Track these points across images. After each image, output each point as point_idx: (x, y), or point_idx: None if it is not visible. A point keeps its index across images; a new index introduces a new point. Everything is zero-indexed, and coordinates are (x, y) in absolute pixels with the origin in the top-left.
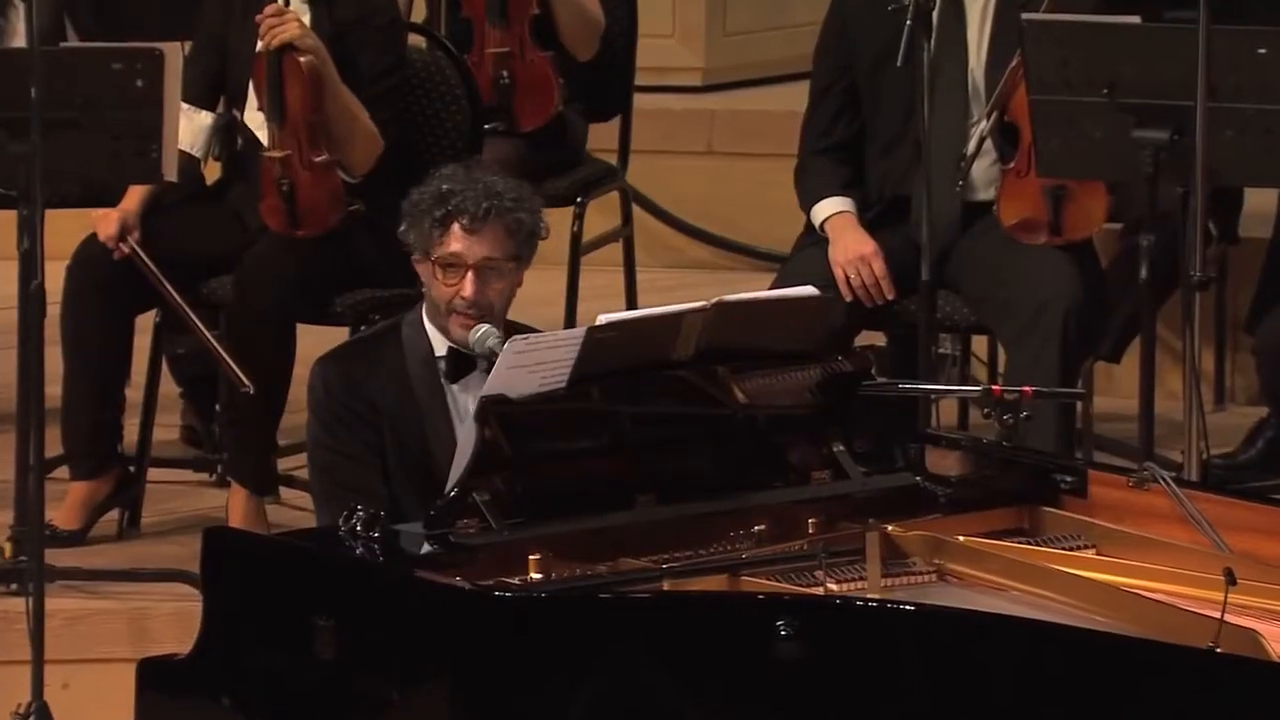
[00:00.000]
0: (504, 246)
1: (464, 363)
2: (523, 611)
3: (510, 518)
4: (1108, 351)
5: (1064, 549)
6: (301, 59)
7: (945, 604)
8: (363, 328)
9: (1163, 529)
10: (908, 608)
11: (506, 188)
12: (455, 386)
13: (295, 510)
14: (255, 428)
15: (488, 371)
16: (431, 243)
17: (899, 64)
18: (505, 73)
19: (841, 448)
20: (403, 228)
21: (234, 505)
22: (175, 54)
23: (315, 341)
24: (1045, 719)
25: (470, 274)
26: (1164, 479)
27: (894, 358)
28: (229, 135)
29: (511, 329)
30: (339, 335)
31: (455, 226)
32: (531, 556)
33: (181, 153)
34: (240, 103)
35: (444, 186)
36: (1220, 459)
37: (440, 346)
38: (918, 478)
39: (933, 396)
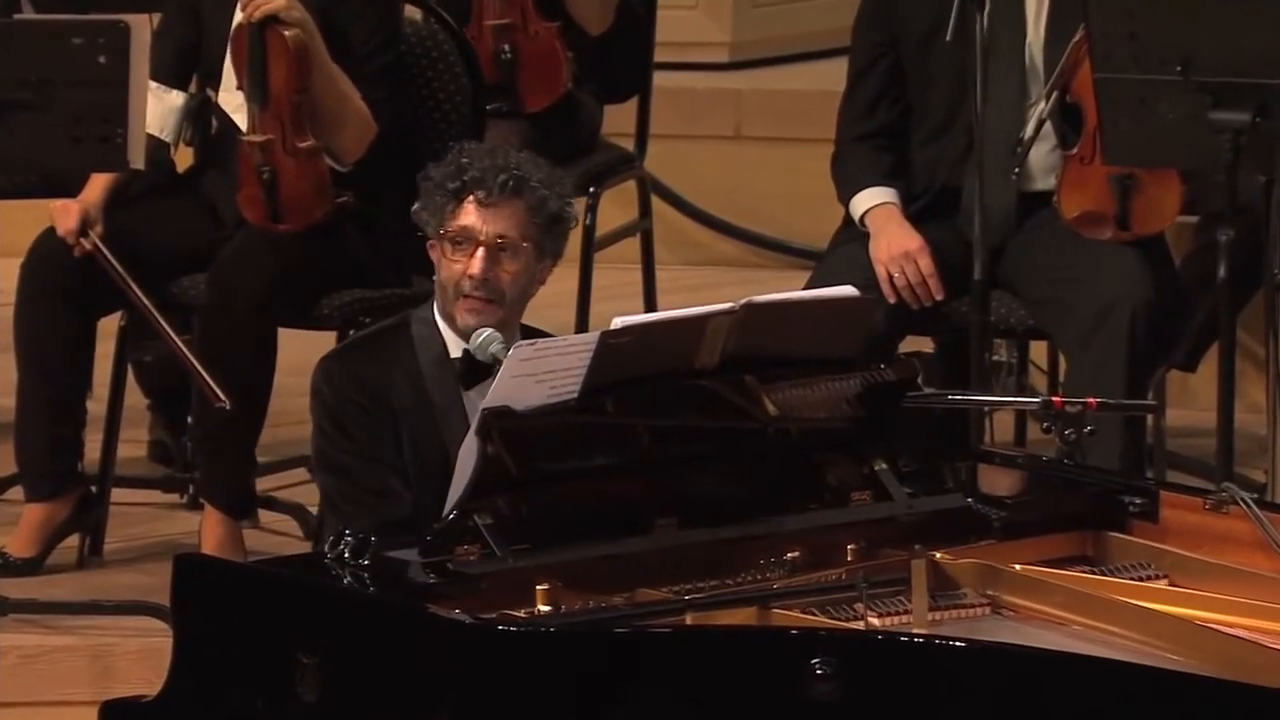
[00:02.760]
0: (522, 226)
1: (481, 366)
2: (529, 647)
3: (515, 543)
4: (1182, 359)
5: (1132, 579)
6: (286, 33)
7: (1000, 640)
8: (351, 332)
9: (1243, 557)
10: (958, 644)
11: (533, 167)
12: (472, 393)
13: (275, 535)
14: (231, 444)
15: None
16: (444, 218)
17: (948, 39)
18: (507, 47)
19: (884, 466)
20: (416, 205)
21: (207, 530)
22: (143, 27)
23: (298, 348)
24: None
25: (481, 251)
26: (1245, 501)
27: (943, 365)
28: (203, 118)
29: (526, 334)
30: (325, 341)
31: (470, 200)
32: (539, 586)
33: (150, 137)
34: (216, 81)
35: (463, 160)
36: None
37: (455, 348)
38: (969, 499)
39: (986, 409)
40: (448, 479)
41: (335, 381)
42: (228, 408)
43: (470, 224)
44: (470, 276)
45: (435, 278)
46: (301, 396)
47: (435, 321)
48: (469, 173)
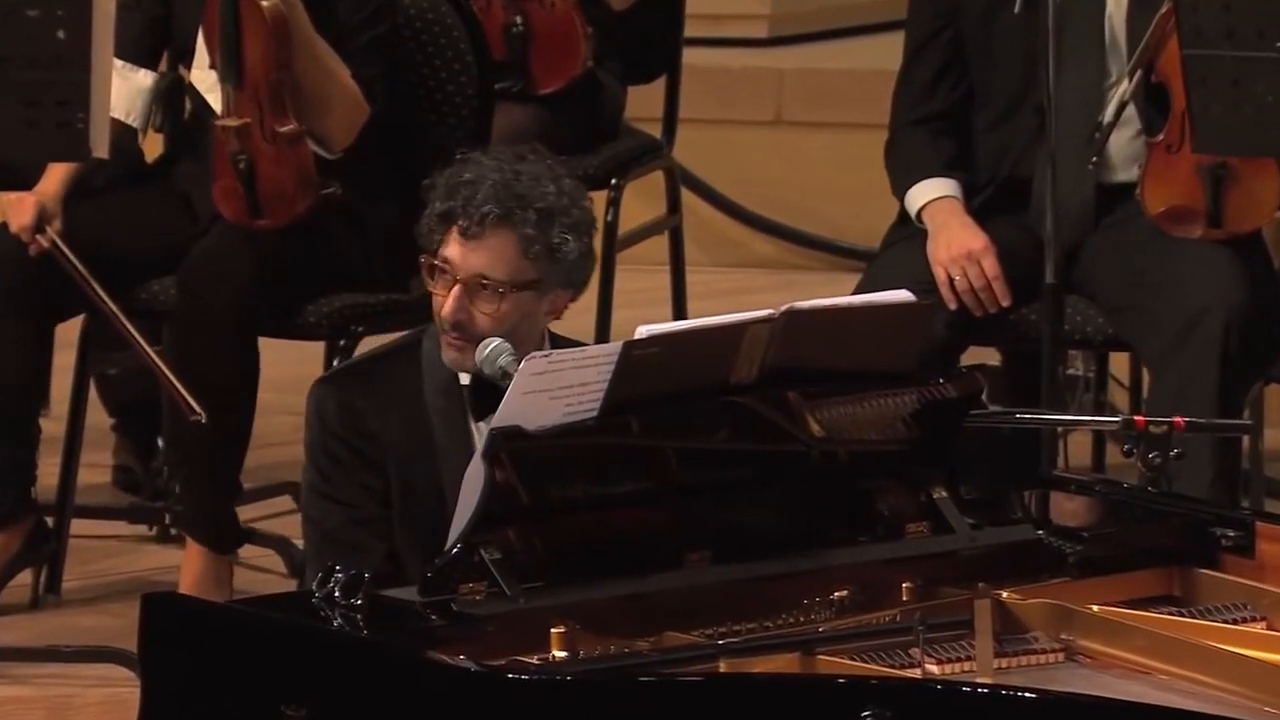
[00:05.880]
0: (511, 265)
1: (492, 395)
2: (543, 698)
3: (527, 581)
4: None
5: (1224, 621)
6: (264, 4)
7: (1075, 690)
8: (342, 342)
9: None
10: (1027, 695)
11: (538, 190)
12: (483, 424)
13: (257, 572)
14: (209, 467)
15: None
16: (433, 241)
17: (1017, 10)
18: (518, 18)
19: (944, 494)
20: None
21: (188, 565)
22: None
23: (282, 359)
24: None
25: (456, 289)
26: None
27: (1010, 380)
28: (174, 100)
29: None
30: (311, 352)
31: (454, 228)
32: (554, 630)
33: (115, 122)
34: (188, 59)
35: (465, 174)
36: None
37: (466, 374)
38: (1040, 531)
39: (1059, 429)
40: (440, 529)
41: (320, 409)
42: (204, 420)
43: (451, 257)
44: (442, 317)
45: None
46: (285, 415)
47: None
48: (459, 195)
